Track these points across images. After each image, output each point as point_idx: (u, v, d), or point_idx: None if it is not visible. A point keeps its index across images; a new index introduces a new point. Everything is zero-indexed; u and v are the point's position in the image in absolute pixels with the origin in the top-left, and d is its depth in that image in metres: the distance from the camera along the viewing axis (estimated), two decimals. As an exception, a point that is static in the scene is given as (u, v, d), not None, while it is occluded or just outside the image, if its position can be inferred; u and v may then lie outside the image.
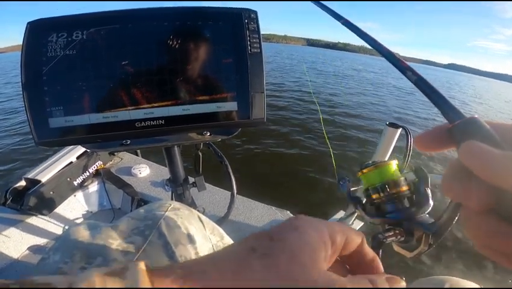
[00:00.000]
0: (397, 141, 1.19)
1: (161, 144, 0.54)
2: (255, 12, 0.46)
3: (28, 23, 0.41)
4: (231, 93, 0.45)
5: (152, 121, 0.44)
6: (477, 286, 0.56)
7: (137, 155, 1.94)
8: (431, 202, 0.34)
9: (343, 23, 0.34)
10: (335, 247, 0.22)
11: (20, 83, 0.40)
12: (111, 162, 1.79)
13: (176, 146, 0.59)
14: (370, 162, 0.38)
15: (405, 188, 0.36)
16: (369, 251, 0.26)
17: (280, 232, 0.21)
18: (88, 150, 1.59)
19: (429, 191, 0.34)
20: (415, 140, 0.22)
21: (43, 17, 0.42)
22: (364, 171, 0.38)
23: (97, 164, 1.65)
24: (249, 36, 0.45)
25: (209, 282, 0.18)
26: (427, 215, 0.33)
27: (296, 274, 0.19)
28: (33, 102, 0.40)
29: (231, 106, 0.46)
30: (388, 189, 0.36)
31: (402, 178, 0.36)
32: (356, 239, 0.24)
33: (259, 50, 0.46)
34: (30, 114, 0.40)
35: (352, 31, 0.32)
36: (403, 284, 0.23)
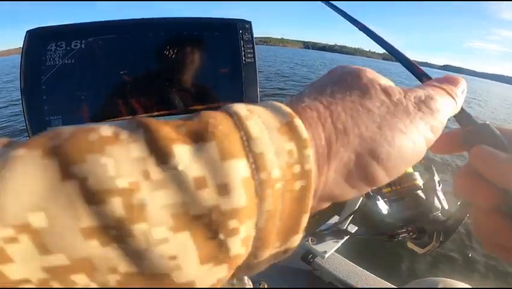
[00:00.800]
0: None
1: None
2: (249, 23, 0.47)
3: (27, 31, 0.41)
4: (225, 102, 0.46)
5: (149, 130, 0.44)
6: (470, 286, 0.57)
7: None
8: (443, 200, 0.35)
9: (360, 29, 0.33)
10: None
11: (20, 91, 0.40)
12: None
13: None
14: None
15: (417, 182, 0.36)
16: None
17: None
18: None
19: (440, 189, 0.35)
20: None
21: (38, 23, 0.42)
22: None
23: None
24: (243, 46, 0.47)
25: (314, 95, 0.17)
26: (439, 214, 0.34)
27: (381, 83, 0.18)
28: (32, 110, 0.41)
29: (225, 115, 0.46)
30: (400, 183, 0.36)
31: (416, 172, 0.37)
32: None
33: (253, 60, 0.47)
34: (29, 123, 0.41)
35: (370, 36, 0.31)
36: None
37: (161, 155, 0.11)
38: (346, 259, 1.25)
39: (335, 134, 0.15)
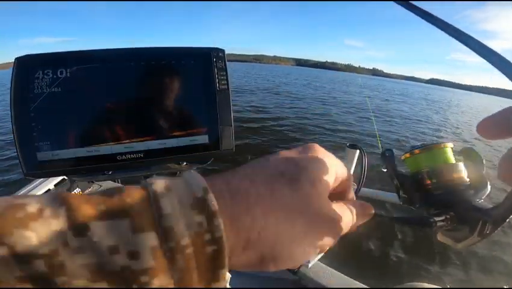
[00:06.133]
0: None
1: (142, 173, 0.57)
2: (223, 51, 0.52)
3: (16, 58, 0.43)
4: (202, 128, 0.50)
5: (132, 155, 0.48)
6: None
7: (115, 181, 1.91)
8: (489, 186, 0.31)
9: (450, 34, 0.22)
10: (336, 181, 0.25)
11: (10, 118, 0.43)
12: (89, 190, 1.75)
13: (155, 175, 0.61)
14: (419, 144, 0.35)
15: (463, 174, 0.32)
16: (351, 190, 0.29)
17: (303, 159, 0.23)
18: (66, 178, 1.56)
19: (484, 173, 0.31)
20: (478, 126, 0.19)
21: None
22: (416, 151, 0.34)
23: (75, 191, 1.63)
24: (217, 73, 0.51)
25: (251, 202, 0.20)
26: (483, 201, 0.29)
27: (314, 201, 0.22)
28: (22, 136, 0.44)
29: (202, 139, 0.51)
30: (442, 175, 0.32)
31: (460, 163, 0.32)
32: (348, 178, 0.27)
33: (226, 87, 0.51)
34: (19, 148, 0.44)
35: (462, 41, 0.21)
36: (372, 211, 0.28)
37: (79, 229, 0.15)
38: (331, 268, 1.27)
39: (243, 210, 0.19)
